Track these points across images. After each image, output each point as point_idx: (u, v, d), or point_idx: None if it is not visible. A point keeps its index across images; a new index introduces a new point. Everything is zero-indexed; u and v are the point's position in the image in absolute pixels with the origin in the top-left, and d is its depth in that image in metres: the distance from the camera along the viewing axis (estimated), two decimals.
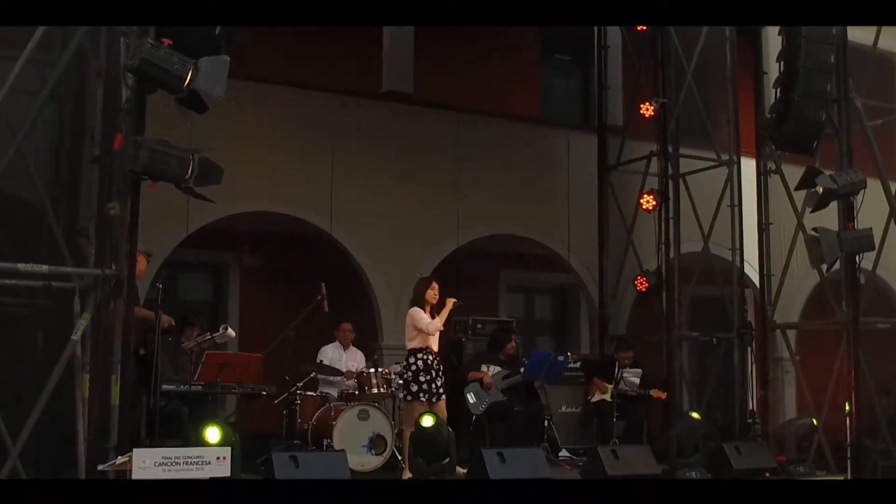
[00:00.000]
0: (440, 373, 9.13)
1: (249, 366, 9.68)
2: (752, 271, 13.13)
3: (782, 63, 10.40)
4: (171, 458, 6.39)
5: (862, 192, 10.42)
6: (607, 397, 11.87)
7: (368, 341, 12.68)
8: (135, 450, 6.43)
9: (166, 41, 7.31)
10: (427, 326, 8.97)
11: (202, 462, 6.46)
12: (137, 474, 6.30)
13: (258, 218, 12.46)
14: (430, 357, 9.05)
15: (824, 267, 10.86)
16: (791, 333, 15.31)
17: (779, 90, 10.50)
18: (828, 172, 10.40)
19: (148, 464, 6.27)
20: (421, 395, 8.94)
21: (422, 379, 8.96)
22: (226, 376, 9.25)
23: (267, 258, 13.67)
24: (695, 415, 10.50)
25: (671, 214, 12.85)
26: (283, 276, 13.16)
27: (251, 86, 12.26)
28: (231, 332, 9.01)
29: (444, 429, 8.76)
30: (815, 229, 10.36)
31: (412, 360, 9.02)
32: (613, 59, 14.38)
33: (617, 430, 11.66)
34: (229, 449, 6.75)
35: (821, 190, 10.08)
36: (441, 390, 9.09)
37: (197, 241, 12.05)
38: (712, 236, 12.77)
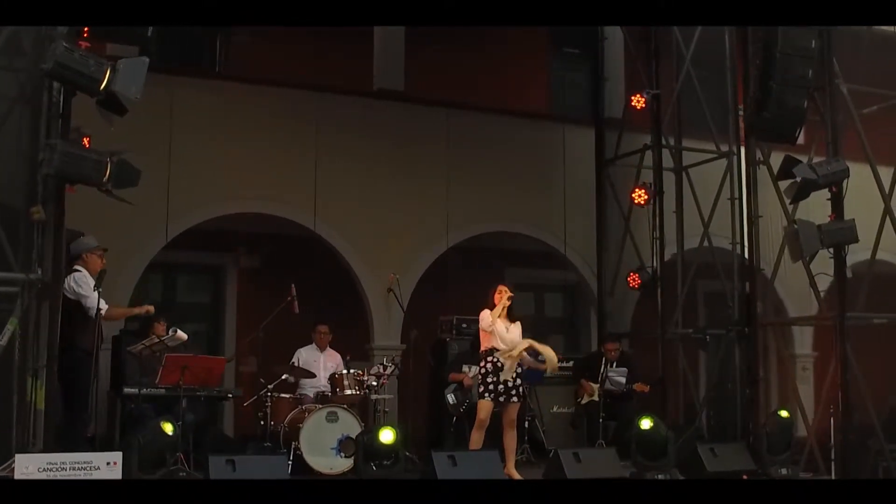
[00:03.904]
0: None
1: (213, 368, 9.62)
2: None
3: (760, 49, 9.98)
4: (55, 464, 6.32)
5: (845, 181, 9.96)
6: (595, 398, 11.59)
7: (361, 342, 12.61)
8: (17, 455, 6.40)
9: (84, 44, 7.29)
10: (487, 326, 9.22)
11: (91, 468, 6.38)
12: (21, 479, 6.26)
13: (255, 219, 12.42)
14: (501, 360, 9.23)
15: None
16: (808, 330, 14.93)
17: (757, 77, 10.04)
18: (806, 161, 9.99)
19: (31, 469, 6.22)
20: (487, 395, 9.18)
21: (489, 380, 9.19)
22: (188, 379, 9.17)
23: (264, 259, 13.61)
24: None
25: (674, 209, 12.59)
26: (279, 277, 13.07)
27: (241, 86, 12.28)
28: (182, 334, 8.90)
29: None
30: (794, 221, 9.96)
31: (483, 362, 9.29)
32: (617, 52, 14.07)
33: (606, 431, 11.37)
34: (120, 454, 6.68)
35: (799, 180, 9.67)
36: (513, 392, 9.23)
37: (194, 243, 12.09)
38: (714, 230, 12.40)
